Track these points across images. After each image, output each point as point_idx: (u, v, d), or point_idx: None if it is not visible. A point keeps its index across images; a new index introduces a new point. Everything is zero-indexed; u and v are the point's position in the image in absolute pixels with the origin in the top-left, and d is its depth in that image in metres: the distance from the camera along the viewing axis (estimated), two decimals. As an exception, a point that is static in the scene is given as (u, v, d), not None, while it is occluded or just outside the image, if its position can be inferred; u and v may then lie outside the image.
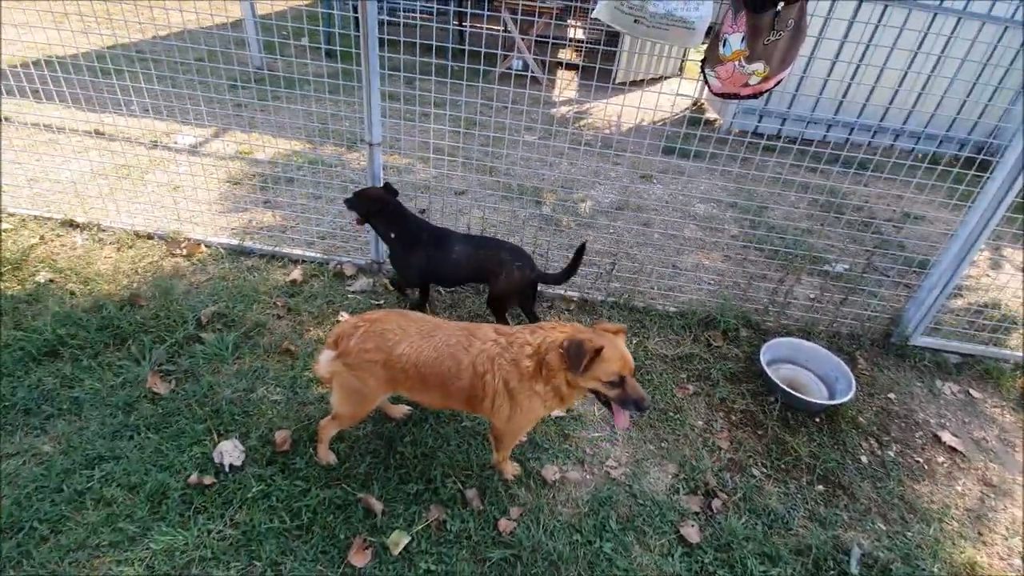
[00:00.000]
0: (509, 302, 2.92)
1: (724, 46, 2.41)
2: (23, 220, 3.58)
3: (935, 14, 5.72)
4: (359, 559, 1.98)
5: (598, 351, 1.82)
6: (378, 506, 2.14)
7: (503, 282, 2.81)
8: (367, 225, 2.99)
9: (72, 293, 3.03)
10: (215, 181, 4.26)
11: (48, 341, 2.65)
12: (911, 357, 3.36)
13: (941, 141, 6.41)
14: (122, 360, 2.63)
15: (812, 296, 3.74)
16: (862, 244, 4.55)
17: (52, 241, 3.43)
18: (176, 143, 4.85)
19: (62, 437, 2.27)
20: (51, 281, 3.10)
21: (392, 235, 2.91)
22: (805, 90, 6.37)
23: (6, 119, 4.74)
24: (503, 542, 2.11)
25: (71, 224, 3.58)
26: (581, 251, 2.74)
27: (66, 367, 2.55)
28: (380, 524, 2.10)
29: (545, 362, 1.89)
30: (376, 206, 2.89)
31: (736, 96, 2.54)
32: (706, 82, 2.58)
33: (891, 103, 6.32)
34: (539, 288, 3.05)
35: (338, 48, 3.11)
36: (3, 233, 3.44)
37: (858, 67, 5.81)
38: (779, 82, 2.50)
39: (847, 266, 4.18)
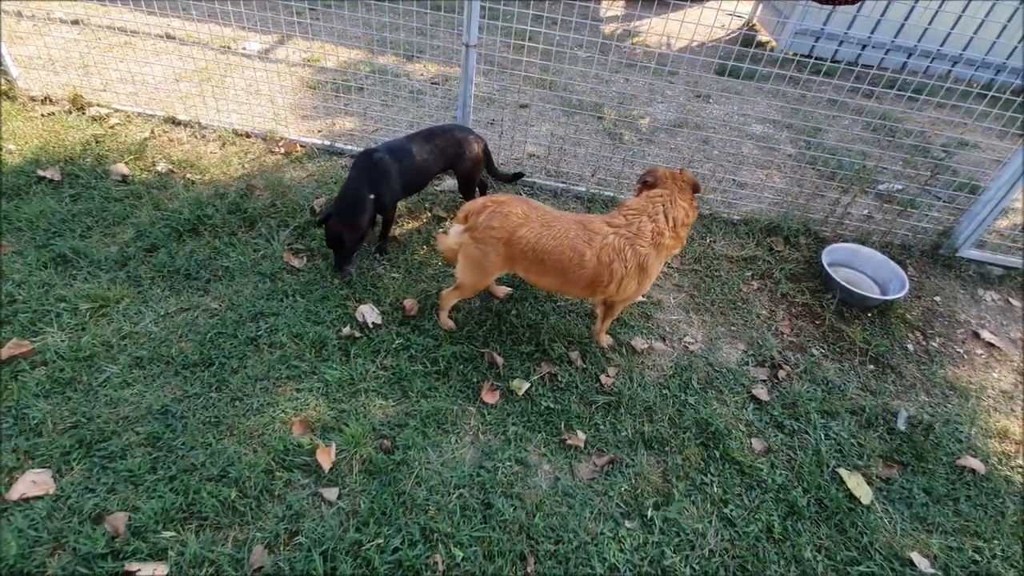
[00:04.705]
0: (477, 175, 3.16)
1: (831, -53, 2.49)
2: (128, 116, 3.81)
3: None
4: (490, 397, 2.38)
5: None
6: (500, 360, 2.52)
7: (469, 160, 3.03)
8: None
9: (192, 182, 3.32)
10: (289, 88, 4.42)
11: (188, 220, 2.97)
12: (957, 267, 3.62)
13: (999, 70, 6.31)
14: (256, 239, 2.96)
15: (866, 212, 3.95)
16: (915, 168, 4.68)
17: (160, 136, 3.68)
18: (245, 49, 4.95)
19: (223, 297, 2.63)
20: (170, 171, 3.38)
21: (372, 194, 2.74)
22: (865, 11, 6.21)
23: (79, 22, 4.85)
24: (605, 392, 2.50)
25: (173, 121, 3.81)
26: (518, 176, 3.50)
27: (213, 242, 2.88)
28: (502, 374, 2.48)
29: (676, 221, 2.27)
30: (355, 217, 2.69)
31: (836, 1, 2.64)
32: (805, -15, 2.67)
33: (953, 28, 6.17)
34: None
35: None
36: (115, 126, 3.68)
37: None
38: (878, -14, 2.59)
39: (901, 186, 4.35)
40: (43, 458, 1.98)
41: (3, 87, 3.84)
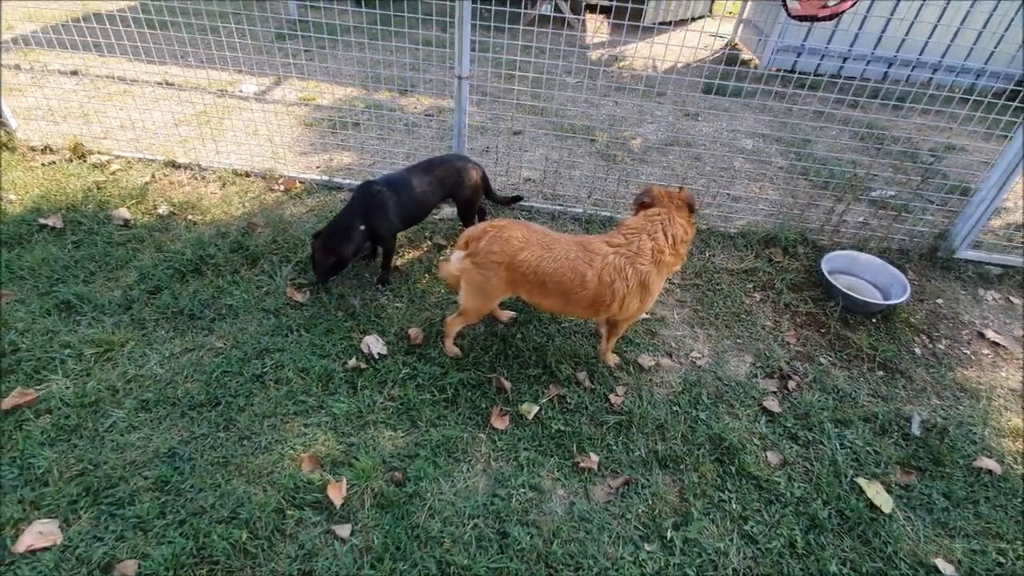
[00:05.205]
0: (477, 202, 3.17)
1: (807, -33, 2.58)
2: (129, 162, 3.86)
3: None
4: (499, 423, 2.36)
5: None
6: (507, 384, 2.50)
7: (469, 188, 3.05)
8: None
9: (194, 223, 3.35)
10: (287, 126, 4.50)
11: (191, 260, 2.98)
12: (956, 269, 3.64)
13: (979, 75, 6.47)
14: (259, 276, 2.97)
15: (861, 219, 3.99)
16: (906, 173, 4.75)
17: (161, 179, 3.73)
18: (241, 91, 5.06)
19: (228, 335, 2.63)
20: (172, 213, 3.41)
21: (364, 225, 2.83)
22: (844, 25, 6.39)
23: (78, 72, 4.97)
24: (615, 411, 2.48)
25: (174, 164, 3.87)
26: (516, 199, 3.48)
27: (216, 281, 2.89)
28: (511, 398, 2.47)
29: (675, 238, 2.28)
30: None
31: (814, 18, 2.72)
32: (784, 6, 2.76)
33: (930, 37, 6.34)
34: None
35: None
36: (116, 172, 3.74)
37: (898, 2, 5.83)
38: (855, 2, 2.68)
39: (894, 192, 4.40)
40: (50, 508, 1.95)
41: (2, 139, 3.91)
